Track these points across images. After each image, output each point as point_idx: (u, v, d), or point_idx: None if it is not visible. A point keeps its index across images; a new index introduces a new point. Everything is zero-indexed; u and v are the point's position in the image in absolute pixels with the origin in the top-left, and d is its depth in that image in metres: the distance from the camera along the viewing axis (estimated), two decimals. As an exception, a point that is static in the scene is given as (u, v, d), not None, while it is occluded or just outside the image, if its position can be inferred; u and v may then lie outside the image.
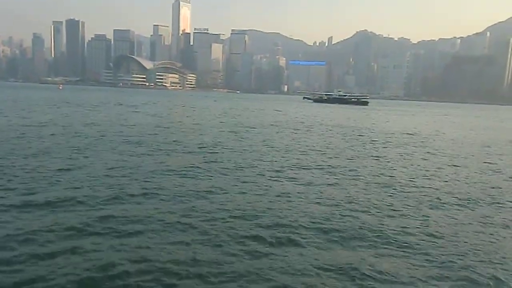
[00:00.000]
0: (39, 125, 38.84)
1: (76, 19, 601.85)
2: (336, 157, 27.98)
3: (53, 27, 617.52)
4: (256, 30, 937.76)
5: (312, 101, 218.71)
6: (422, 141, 41.23)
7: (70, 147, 26.44)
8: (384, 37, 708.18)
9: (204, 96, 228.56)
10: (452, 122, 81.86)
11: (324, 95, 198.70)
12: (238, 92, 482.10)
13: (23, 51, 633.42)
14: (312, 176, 20.95)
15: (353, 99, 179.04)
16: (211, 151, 27.95)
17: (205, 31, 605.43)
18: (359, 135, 44.84)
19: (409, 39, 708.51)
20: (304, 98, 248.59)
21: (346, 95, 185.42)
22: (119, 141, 30.38)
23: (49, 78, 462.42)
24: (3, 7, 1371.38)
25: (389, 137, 43.85)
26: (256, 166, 23.04)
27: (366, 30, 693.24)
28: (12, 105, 67.55)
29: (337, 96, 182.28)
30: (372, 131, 51.44)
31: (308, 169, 23.00)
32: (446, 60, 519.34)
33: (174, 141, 32.26)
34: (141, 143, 29.62)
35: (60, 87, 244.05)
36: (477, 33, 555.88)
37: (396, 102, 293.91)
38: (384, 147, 35.05)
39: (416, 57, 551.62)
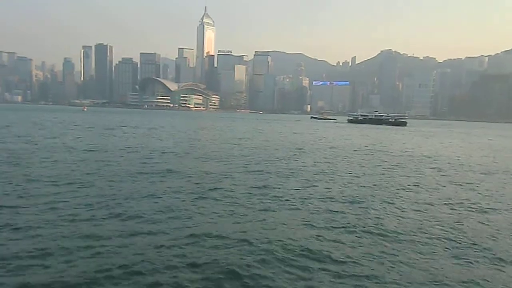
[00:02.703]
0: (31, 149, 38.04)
1: (105, 43, 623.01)
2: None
3: (83, 51, 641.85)
4: (279, 51, 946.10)
5: (318, 120, 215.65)
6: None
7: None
8: (409, 56, 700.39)
9: (230, 117, 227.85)
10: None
11: (359, 116, 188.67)
12: (261, 112, 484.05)
13: (54, 75, 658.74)
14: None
15: (390, 120, 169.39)
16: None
17: (229, 53, 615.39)
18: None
19: (434, 58, 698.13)
20: (311, 117, 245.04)
21: (382, 116, 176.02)
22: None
23: (78, 101, 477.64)
24: (37, 34, 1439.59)
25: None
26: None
27: (390, 49, 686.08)
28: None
29: (373, 117, 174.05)
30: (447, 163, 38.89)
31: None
32: (473, 78, 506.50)
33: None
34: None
35: (85, 109, 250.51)
36: (505, 51, 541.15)
37: (425, 122, 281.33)
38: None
39: (443, 76, 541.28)
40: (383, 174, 30.25)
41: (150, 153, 37.63)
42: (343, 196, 21.33)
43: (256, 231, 14.44)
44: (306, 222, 15.97)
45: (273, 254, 12.25)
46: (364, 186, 24.52)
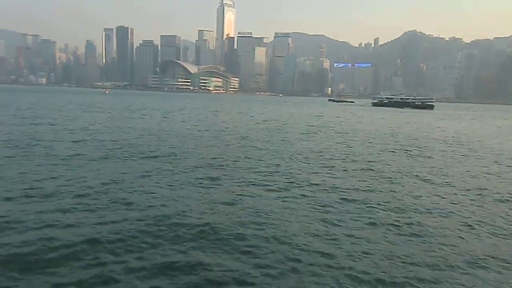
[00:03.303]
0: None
1: (126, 26, 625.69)
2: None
3: (105, 34, 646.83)
4: (300, 33, 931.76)
5: (336, 102, 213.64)
6: None
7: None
8: (434, 37, 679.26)
9: (250, 100, 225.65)
10: None
11: (384, 98, 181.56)
12: (281, 95, 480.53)
13: (77, 57, 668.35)
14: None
15: (416, 103, 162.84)
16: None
17: (249, 35, 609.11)
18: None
19: (461, 39, 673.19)
20: (329, 100, 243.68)
21: (409, 98, 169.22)
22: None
23: (100, 83, 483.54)
24: (59, 17, 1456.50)
25: None
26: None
27: (414, 30, 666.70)
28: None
29: (399, 100, 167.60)
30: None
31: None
32: (502, 59, 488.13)
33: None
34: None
35: (106, 92, 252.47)
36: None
37: (451, 105, 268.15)
38: None
39: (469, 57, 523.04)
40: (409, 159, 29.20)
41: (167, 135, 37.46)
42: (371, 185, 20.37)
43: (267, 222, 13.87)
44: (322, 211, 15.33)
45: (285, 249, 11.48)
46: (387, 173, 23.55)
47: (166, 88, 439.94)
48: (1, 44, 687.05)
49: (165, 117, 62.87)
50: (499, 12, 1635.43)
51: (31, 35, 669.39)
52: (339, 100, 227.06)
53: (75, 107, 78.57)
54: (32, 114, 55.33)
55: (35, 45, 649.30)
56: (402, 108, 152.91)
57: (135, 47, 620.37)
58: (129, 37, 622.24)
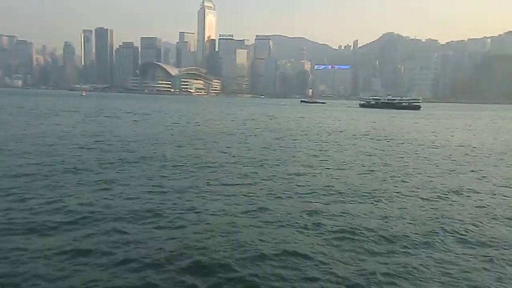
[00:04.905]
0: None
1: (105, 27, 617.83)
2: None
3: (83, 35, 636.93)
4: (281, 35, 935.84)
5: (307, 103, 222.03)
6: None
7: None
8: (411, 39, 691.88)
9: (231, 102, 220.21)
10: None
11: (371, 100, 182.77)
12: (263, 97, 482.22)
13: (55, 59, 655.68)
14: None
15: (403, 103, 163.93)
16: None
17: (230, 37, 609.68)
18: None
19: (437, 40, 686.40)
20: (301, 101, 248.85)
21: (395, 99, 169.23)
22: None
23: (78, 85, 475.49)
24: (37, 15, 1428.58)
25: None
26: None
27: (392, 32, 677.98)
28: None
29: (385, 101, 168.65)
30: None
31: None
32: (476, 60, 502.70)
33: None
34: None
35: (83, 94, 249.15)
36: (508, 32, 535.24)
37: (433, 105, 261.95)
38: None
39: (445, 58, 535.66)
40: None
41: (129, 140, 36.31)
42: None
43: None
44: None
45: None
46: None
47: (147, 91, 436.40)
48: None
49: (138, 121, 61.61)
50: (471, 14, 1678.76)
51: (6, 36, 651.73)
52: (311, 101, 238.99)
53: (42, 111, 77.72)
54: None
55: (11, 46, 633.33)
56: (389, 109, 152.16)
57: (114, 49, 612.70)
58: (109, 38, 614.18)
